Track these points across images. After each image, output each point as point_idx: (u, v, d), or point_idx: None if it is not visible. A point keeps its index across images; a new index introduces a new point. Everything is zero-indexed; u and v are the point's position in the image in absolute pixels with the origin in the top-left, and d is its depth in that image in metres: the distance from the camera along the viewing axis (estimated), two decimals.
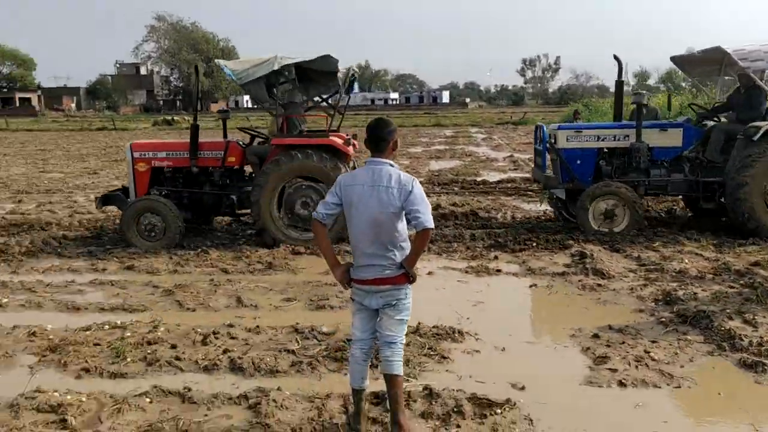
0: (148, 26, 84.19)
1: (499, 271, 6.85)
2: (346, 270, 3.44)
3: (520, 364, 4.47)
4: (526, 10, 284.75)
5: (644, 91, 10.12)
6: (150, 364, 4.44)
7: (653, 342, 4.74)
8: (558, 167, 8.62)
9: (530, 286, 6.31)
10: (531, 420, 3.63)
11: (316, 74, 8.55)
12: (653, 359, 4.42)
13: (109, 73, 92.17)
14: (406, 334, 3.55)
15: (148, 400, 3.89)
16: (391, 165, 3.33)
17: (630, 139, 8.42)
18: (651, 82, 64.76)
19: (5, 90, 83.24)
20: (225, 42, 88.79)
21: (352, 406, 3.57)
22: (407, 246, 3.36)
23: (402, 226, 3.33)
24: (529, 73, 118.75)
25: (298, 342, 4.78)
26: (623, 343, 4.72)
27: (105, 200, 8.39)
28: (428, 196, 3.53)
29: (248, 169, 8.75)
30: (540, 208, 10.20)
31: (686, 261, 6.92)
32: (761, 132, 7.77)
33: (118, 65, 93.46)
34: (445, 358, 4.50)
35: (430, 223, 3.20)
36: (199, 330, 5.00)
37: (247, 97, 68.42)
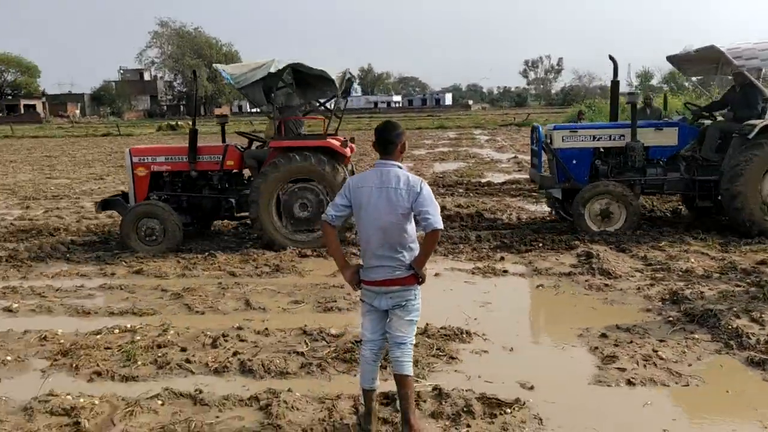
0: (151, 32, 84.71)
1: (505, 271, 6.87)
2: (355, 271, 3.47)
3: (529, 364, 4.49)
4: (526, 11, 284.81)
5: (638, 91, 10.20)
6: (161, 366, 4.48)
7: (661, 341, 4.76)
8: (554, 167, 8.68)
9: (537, 287, 6.33)
10: (540, 419, 3.65)
11: (313, 79, 8.61)
12: (661, 358, 4.44)
13: (113, 79, 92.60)
14: (415, 335, 3.58)
15: (160, 402, 3.92)
16: (399, 167, 3.36)
17: (625, 139, 8.47)
18: (654, 82, 64.58)
19: (10, 97, 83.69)
20: (228, 46, 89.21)
21: (363, 407, 3.60)
22: (416, 247, 3.39)
23: (411, 227, 3.36)
24: (531, 75, 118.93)
25: (306, 344, 4.81)
26: (631, 342, 4.74)
27: (105, 205, 8.48)
28: None
29: (247, 172, 8.82)
30: (546, 208, 10.22)
31: (692, 260, 6.93)
32: (756, 129, 7.81)
33: (121, 71, 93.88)
34: (453, 358, 4.53)
35: (440, 224, 3.24)
36: (208, 333, 5.04)
37: None
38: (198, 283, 6.58)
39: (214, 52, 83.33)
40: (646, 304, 5.64)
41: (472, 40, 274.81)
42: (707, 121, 8.96)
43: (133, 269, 7.20)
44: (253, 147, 8.81)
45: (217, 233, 9.22)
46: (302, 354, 4.63)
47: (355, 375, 4.24)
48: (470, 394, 3.88)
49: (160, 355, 4.66)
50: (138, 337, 5.01)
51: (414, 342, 3.51)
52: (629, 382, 4.11)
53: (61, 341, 4.99)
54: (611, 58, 9.00)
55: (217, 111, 70.41)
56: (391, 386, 3.71)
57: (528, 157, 18.39)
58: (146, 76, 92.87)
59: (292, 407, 3.76)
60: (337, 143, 8.01)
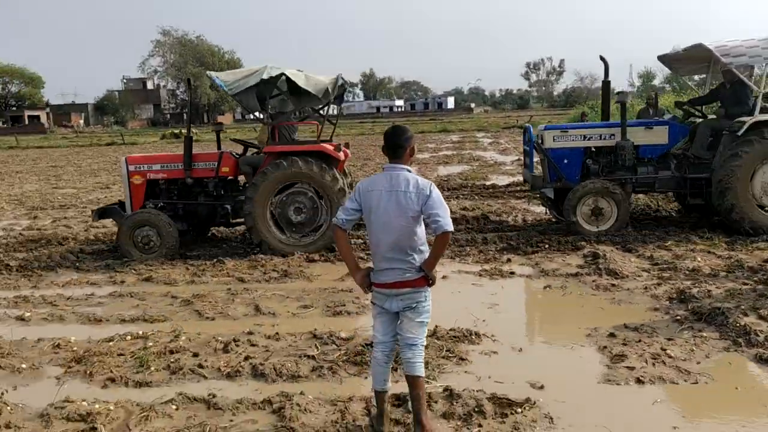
0: (153, 41, 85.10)
1: (512, 273, 6.91)
2: (366, 274, 3.51)
3: (538, 364, 4.52)
4: (526, 12, 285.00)
5: (629, 91, 10.31)
6: (174, 372, 4.53)
7: (669, 339, 4.78)
8: (546, 167, 8.73)
9: (544, 288, 6.36)
10: (551, 418, 3.68)
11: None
12: (670, 356, 4.46)
13: (116, 89, 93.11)
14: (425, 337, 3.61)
15: (174, 407, 3.97)
16: (409, 170, 3.41)
17: (615, 138, 8.53)
18: (656, 82, 64.59)
19: (14, 108, 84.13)
20: (230, 54, 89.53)
21: (375, 408, 3.64)
22: (426, 249, 3.43)
23: (421, 230, 3.40)
24: (533, 77, 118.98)
25: (317, 347, 4.85)
26: (639, 341, 4.77)
27: (101, 214, 8.57)
28: None
29: (242, 179, 8.91)
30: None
31: (699, 259, 6.96)
32: (745, 126, 7.86)
33: (125, 80, 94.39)
34: (463, 359, 4.56)
35: (450, 226, 3.28)
36: (219, 338, 5.09)
37: None
38: (207, 290, 6.63)
39: (216, 60, 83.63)
40: (653, 304, 5.66)
41: (472, 42, 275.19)
42: (698, 119, 9.01)
43: (142, 277, 7.26)
44: (248, 153, 8.89)
45: (224, 239, 9.29)
46: (313, 357, 4.67)
47: (366, 377, 4.28)
48: (481, 394, 3.92)
49: (172, 360, 4.70)
50: (150, 344, 5.05)
51: (425, 343, 3.55)
52: (638, 381, 4.13)
53: (74, 348, 5.04)
54: (602, 58, 9.12)
55: (220, 119, 70.74)
56: (402, 388, 3.75)
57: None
58: (149, 85, 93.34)
59: (305, 410, 3.81)
60: (331, 147, 8.10)
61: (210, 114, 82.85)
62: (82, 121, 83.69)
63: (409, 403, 3.57)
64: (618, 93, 9.36)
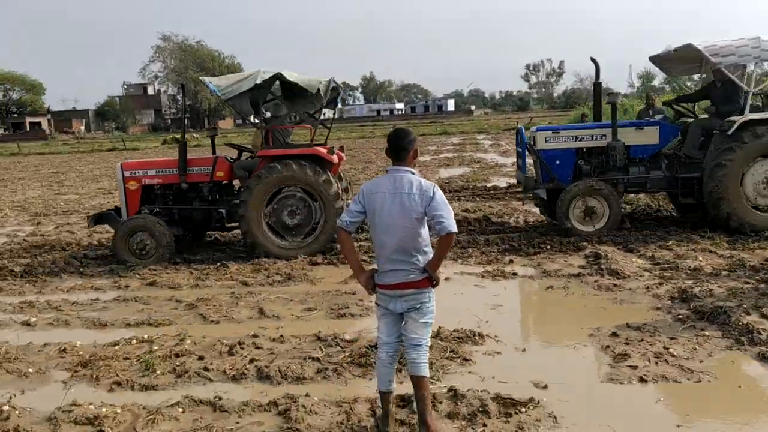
0: (154, 46, 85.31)
1: (515, 274, 6.94)
2: (370, 276, 3.54)
3: (541, 364, 4.55)
4: (527, 12, 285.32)
5: (619, 92, 10.41)
6: (179, 375, 4.56)
7: (672, 338, 4.81)
8: (538, 168, 8.76)
9: (546, 288, 6.38)
10: (555, 417, 3.70)
11: (299, 89, 8.70)
12: (672, 355, 4.49)
13: (117, 94, 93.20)
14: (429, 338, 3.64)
15: (180, 410, 4.00)
16: (412, 172, 3.44)
17: (607, 139, 8.57)
18: (656, 82, 64.65)
19: (16, 115, 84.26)
20: (230, 59, 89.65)
21: (380, 409, 3.66)
22: (430, 251, 3.46)
23: (424, 231, 3.43)
24: (533, 79, 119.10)
25: (321, 350, 4.88)
26: (642, 340, 4.79)
27: (97, 219, 8.61)
28: None
29: (237, 183, 8.95)
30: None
31: (700, 258, 6.98)
32: (735, 125, 7.90)
33: (125, 86, 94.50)
34: (467, 360, 4.59)
35: (454, 228, 3.31)
36: (224, 341, 5.12)
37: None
38: (211, 293, 6.66)
39: (216, 65, 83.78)
40: (655, 303, 5.69)
41: (472, 43, 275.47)
42: (689, 119, 9.05)
43: (146, 281, 7.29)
44: (243, 158, 8.94)
45: (227, 243, 9.32)
46: (318, 359, 4.69)
47: (370, 379, 4.31)
48: (485, 394, 3.94)
49: (178, 364, 4.73)
50: (155, 347, 5.08)
51: (429, 344, 3.58)
52: (641, 380, 4.16)
53: (81, 353, 5.07)
54: (593, 60, 9.19)
55: (221, 123, 70.79)
56: (407, 388, 3.77)
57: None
58: (150, 91, 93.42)
59: (311, 411, 3.84)
60: (324, 151, 8.16)
61: (211, 119, 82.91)
62: (83, 127, 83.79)
63: (414, 404, 3.59)
64: (609, 94, 9.42)
